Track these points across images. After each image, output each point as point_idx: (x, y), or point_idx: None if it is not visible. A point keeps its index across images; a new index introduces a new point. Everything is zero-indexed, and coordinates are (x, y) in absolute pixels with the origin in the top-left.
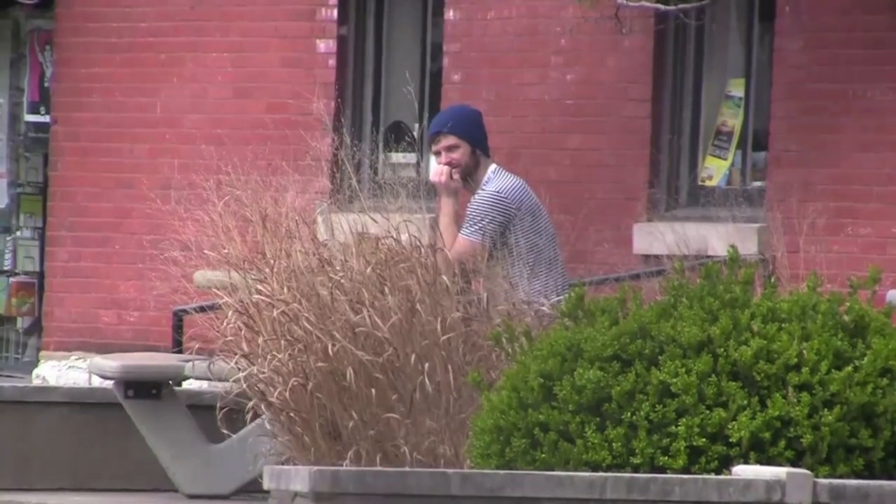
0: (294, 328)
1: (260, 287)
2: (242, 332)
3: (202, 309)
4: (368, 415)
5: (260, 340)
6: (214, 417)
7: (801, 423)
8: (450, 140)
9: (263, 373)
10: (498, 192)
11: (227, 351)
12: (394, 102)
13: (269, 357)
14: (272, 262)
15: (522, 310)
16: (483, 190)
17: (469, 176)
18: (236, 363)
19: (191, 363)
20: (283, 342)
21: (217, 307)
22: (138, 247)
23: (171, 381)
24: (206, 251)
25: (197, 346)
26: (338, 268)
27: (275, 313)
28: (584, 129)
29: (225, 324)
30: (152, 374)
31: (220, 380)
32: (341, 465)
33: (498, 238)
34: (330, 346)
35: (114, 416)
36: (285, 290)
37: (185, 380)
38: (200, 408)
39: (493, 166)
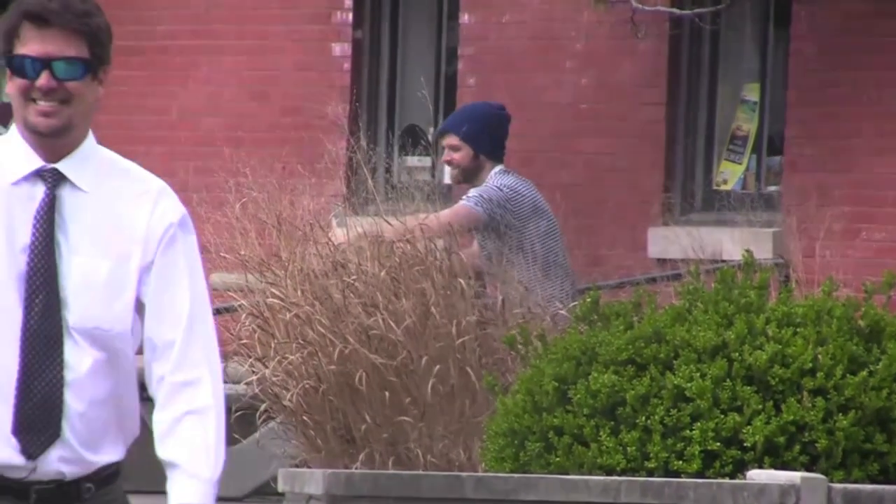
0: (307, 331)
1: (274, 290)
2: (257, 335)
3: (217, 311)
4: (381, 417)
5: (273, 343)
6: (229, 420)
7: (816, 428)
8: (452, 140)
9: (277, 375)
10: (495, 185)
11: (242, 353)
12: (409, 106)
13: (281, 360)
14: (287, 265)
15: (538, 313)
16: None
17: (471, 178)
18: (250, 366)
19: None
20: (295, 345)
21: (232, 310)
22: None
23: None
24: (222, 253)
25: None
26: (352, 270)
27: (288, 316)
28: (598, 132)
29: (239, 326)
30: None
31: (234, 382)
32: (354, 468)
33: (497, 224)
34: (342, 349)
35: None
36: (299, 292)
37: None
38: None
39: (498, 168)
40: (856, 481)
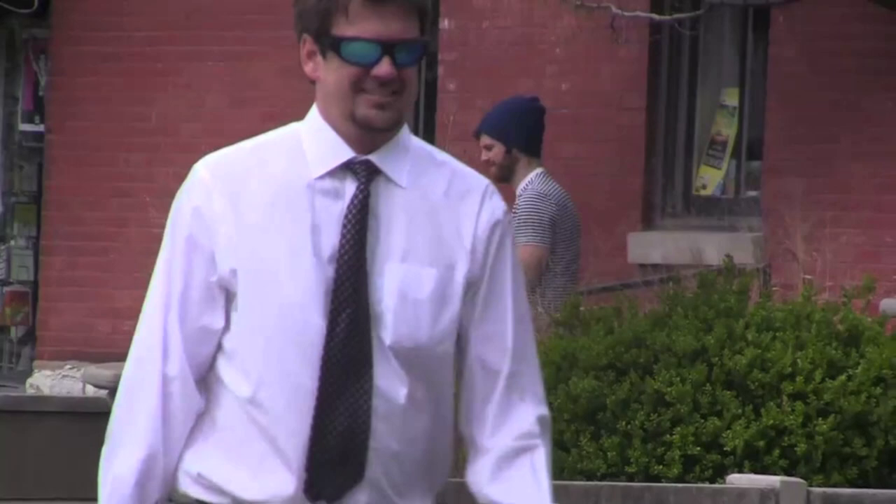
0: None
1: None
2: None
3: None
4: None
5: None
6: None
7: (796, 432)
8: (485, 140)
9: None
10: (541, 193)
11: None
12: None
13: None
14: None
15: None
16: (525, 192)
17: (507, 175)
18: None
19: None
20: None
21: None
22: (133, 256)
23: None
24: None
25: None
26: None
27: None
28: (578, 138)
29: None
30: None
31: None
32: None
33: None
34: None
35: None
36: None
37: None
38: None
39: (538, 170)
40: (835, 485)
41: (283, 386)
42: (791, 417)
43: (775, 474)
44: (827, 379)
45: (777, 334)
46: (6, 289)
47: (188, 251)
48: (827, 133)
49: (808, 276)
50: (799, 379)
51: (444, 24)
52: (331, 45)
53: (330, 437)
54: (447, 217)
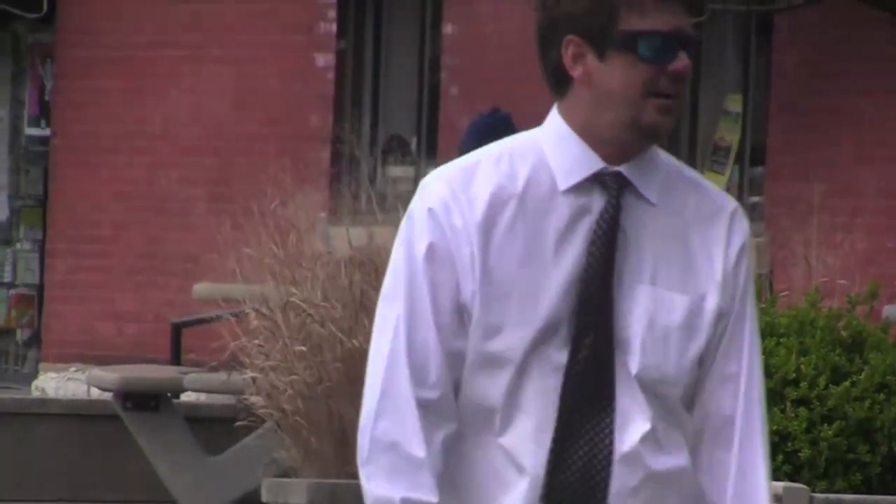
0: (317, 329)
1: (294, 289)
2: (256, 343)
3: (200, 321)
4: None
5: (279, 344)
6: (213, 429)
7: (799, 438)
8: None
9: (280, 380)
10: None
11: (240, 361)
12: (392, 116)
13: (284, 359)
14: (311, 267)
15: None
16: None
17: None
18: (252, 362)
19: (192, 374)
20: (300, 343)
21: (217, 318)
22: (137, 259)
23: (169, 393)
24: (247, 250)
25: (226, 353)
26: (377, 266)
27: (302, 316)
28: None
29: (252, 327)
30: (151, 386)
31: (233, 392)
32: (346, 470)
33: None
34: (350, 345)
35: (112, 428)
36: (318, 293)
37: (183, 392)
38: (199, 420)
39: None
40: (838, 491)
41: (520, 420)
42: (795, 423)
43: (779, 480)
44: (831, 385)
45: (781, 340)
46: (12, 291)
47: (433, 265)
48: (830, 138)
49: (823, 279)
50: (803, 385)
51: (447, 28)
52: (621, 42)
53: (566, 476)
54: (697, 241)
